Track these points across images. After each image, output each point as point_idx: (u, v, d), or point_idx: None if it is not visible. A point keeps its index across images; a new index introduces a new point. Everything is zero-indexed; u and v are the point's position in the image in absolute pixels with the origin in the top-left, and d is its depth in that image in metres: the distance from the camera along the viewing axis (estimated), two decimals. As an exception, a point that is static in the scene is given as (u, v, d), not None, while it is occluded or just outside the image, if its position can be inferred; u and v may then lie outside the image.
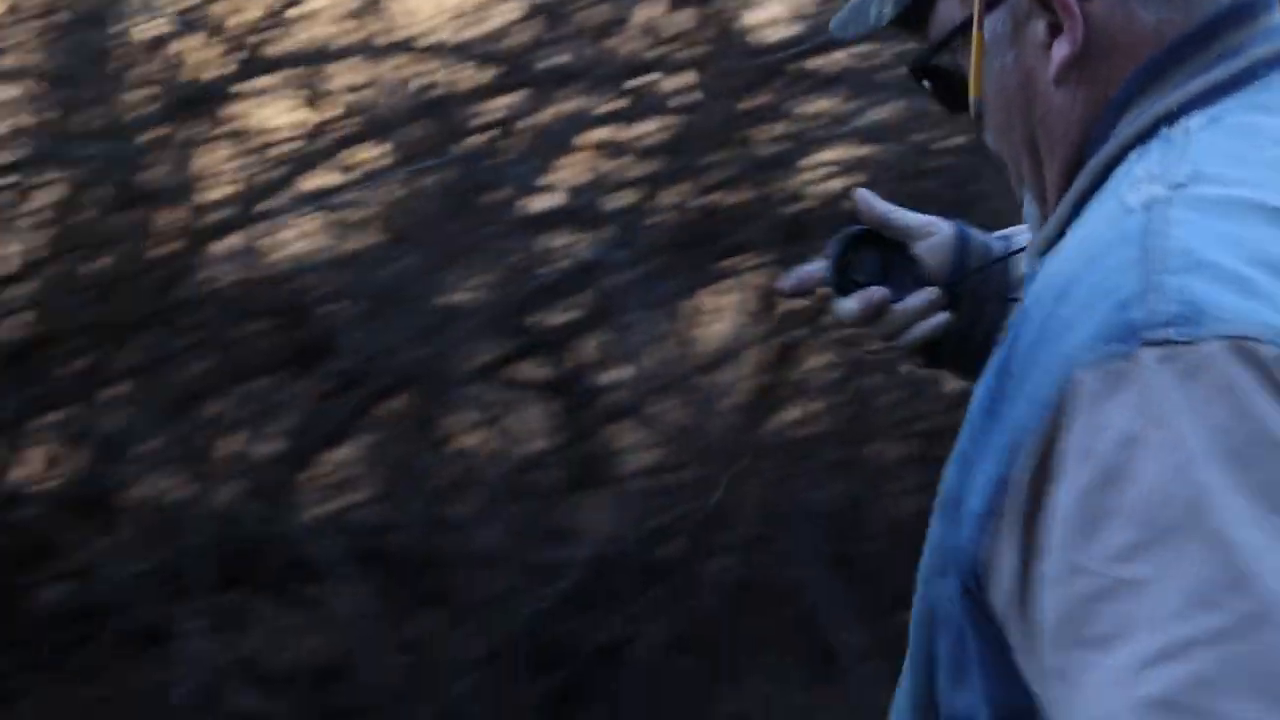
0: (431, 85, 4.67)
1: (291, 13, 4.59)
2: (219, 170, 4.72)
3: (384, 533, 4.80)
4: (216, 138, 4.68)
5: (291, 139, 4.70)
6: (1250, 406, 1.17)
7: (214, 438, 4.85)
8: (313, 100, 4.68)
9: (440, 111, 4.66)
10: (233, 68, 4.59)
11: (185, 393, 4.63)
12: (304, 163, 4.70)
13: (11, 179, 4.52)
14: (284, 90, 4.71)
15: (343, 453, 4.89)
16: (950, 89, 1.42)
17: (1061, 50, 1.34)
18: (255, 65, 4.60)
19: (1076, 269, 1.25)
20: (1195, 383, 1.17)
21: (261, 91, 4.68)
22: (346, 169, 4.70)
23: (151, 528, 4.52)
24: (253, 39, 4.59)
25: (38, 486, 4.78)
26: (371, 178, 4.63)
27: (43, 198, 4.68)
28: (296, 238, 4.82)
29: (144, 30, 4.52)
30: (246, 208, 4.69)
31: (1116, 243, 1.24)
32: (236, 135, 4.67)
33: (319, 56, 4.64)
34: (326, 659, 4.72)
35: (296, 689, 4.68)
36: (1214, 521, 1.15)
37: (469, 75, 4.71)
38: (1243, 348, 1.17)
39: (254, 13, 4.58)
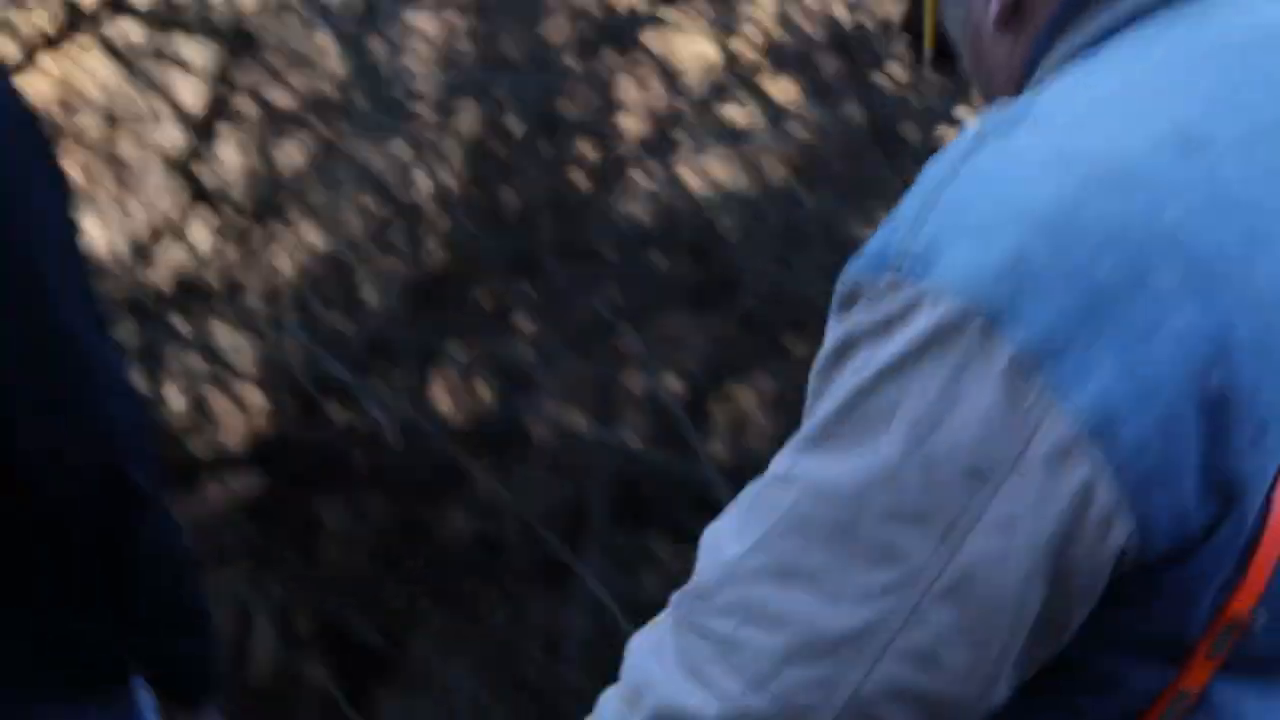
0: (843, 19, 4.63)
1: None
2: (633, 102, 4.76)
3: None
4: (632, 69, 4.72)
5: (705, 71, 4.70)
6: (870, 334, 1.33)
7: (619, 372, 4.88)
8: (727, 33, 4.68)
9: (853, 45, 4.60)
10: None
11: (592, 326, 4.66)
12: (717, 94, 4.69)
13: (429, 110, 4.61)
14: (698, 22, 4.73)
15: (747, 391, 4.88)
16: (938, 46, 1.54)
17: (996, 8, 1.43)
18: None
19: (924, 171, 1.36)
20: (903, 327, 1.29)
21: (675, 24, 4.70)
22: (759, 103, 4.69)
23: (555, 463, 4.59)
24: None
25: (446, 419, 4.88)
26: (783, 113, 4.61)
27: (460, 127, 4.78)
28: (707, 172, 4.82)
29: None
30: (660, 141, 4.71)
31: (939, 163, 1.33)
32: (651, 67, 4.71)
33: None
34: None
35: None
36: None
37: (885, 7, 4.64)
38: (934, 312, 1.28)
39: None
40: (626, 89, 4.77)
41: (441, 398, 5.06)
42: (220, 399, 4.88)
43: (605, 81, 4.74)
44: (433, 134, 4.69)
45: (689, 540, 4.65)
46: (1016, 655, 1.33)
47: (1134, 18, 1.41)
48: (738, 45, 4.66)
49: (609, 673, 1.40)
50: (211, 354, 4.72)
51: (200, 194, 4.77)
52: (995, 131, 1.35)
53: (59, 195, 2.12)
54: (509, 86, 4.54)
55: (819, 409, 1.34)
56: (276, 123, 4.89)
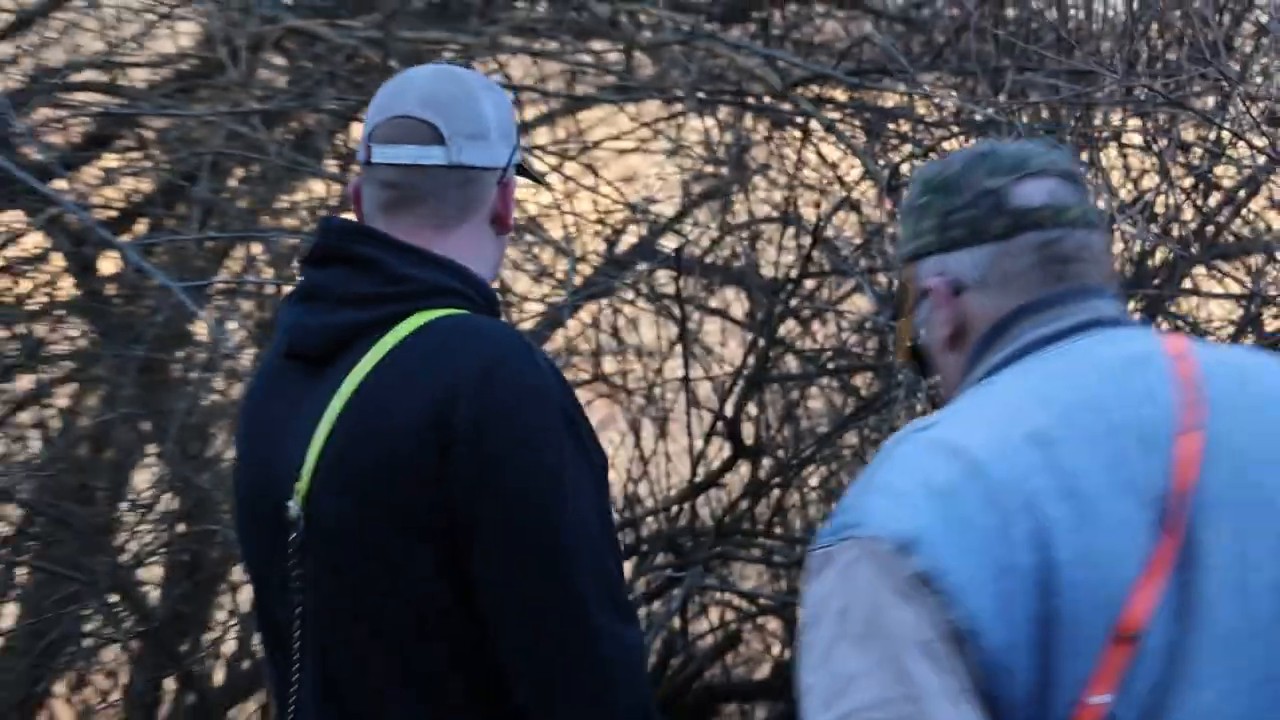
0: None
1: None
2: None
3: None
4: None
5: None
6: (853, 581, 1.94)
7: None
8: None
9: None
10: None
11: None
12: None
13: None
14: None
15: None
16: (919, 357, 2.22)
17: (944, 330, 2.12)
18: None
19: None
20: (830, 567, 1.95)
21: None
22: None
23: None
24: None
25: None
26: None
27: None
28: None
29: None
30: None
31: (879, 453, 2.04)
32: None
33: None
34: None
35: None
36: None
37: None
38: (866, 544, 1.93)
39: None
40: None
41: None
42: (749, 632, 5.13)
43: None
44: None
45: None
46: None
47: (1026, 352, 2.09)
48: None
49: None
50: (740, 592, 4.96)
51: (737, 444, 5.01)
52: (918, 427, 2.03)
53: (589, 467, 2.46)
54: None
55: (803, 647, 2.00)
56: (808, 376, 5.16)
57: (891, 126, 4.55)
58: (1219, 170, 4.37)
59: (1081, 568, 1.94)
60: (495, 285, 2.69)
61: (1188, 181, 4.25)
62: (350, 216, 2.63)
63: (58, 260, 4.92)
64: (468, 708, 2.45)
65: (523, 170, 2.66)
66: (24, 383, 4.97)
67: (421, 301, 2.48)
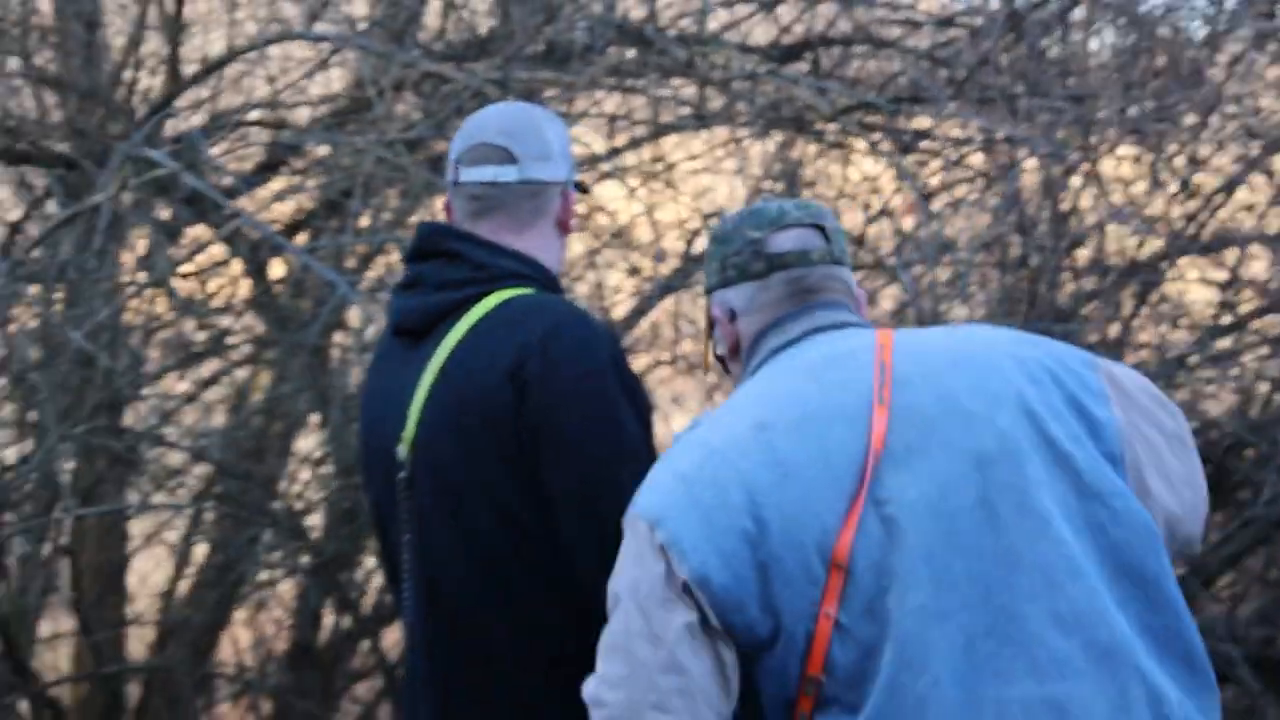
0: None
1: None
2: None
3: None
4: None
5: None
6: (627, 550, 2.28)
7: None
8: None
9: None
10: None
11: None
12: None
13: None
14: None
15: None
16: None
17: (726, 345, 2.44)
18: None
19: None
20: (625, 535, 2.29)
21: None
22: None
23: None
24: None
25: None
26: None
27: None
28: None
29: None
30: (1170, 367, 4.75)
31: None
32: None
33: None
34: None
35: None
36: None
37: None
38: (633, 521, 2.27)
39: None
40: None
41: None
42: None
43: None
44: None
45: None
46: (719, 694, 2.24)
47: (767, 359, 2.38)
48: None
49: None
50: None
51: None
52: (688, 428, 2.35)
53: (635, 405, 2.57)
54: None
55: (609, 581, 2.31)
56: None
57: (923, 145, 4.60)
58: (1198, 178, 4.40)
59: (786, 519, 2.24)
60: (562, 274, 2.83)
61: (1173, 188, 4.29)
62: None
63: (236, 266, 5.02)
64: (546, 604, 2.54)
65: (578, 185, 2.81)
66: (210, 366, 5.08)
67: (498, 284, 2.62)
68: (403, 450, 2.60)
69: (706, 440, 2.32)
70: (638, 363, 5.41)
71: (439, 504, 2.58)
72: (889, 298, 5.26)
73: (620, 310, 5.17)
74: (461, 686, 2.58)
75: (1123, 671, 2.21)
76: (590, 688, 2.28)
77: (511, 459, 2.52)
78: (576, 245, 5.09)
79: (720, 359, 2.50)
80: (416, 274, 2.68)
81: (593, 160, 5.05)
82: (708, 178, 5.58)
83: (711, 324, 2.48)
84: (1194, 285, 4.68)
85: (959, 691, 2.20)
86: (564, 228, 2.76)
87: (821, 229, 2.44)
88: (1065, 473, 2.25)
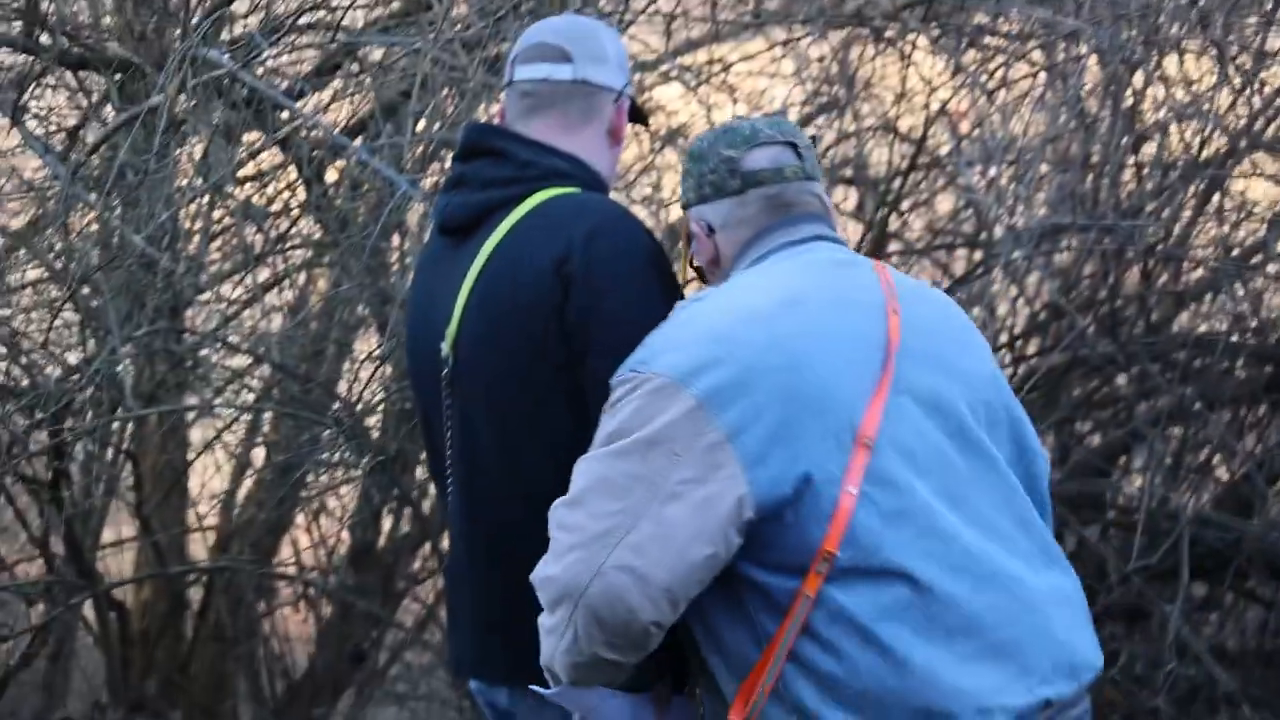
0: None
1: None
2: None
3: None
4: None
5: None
6: (627, 399, 2.39)
7: (1189, 453, 4.96)
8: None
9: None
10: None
11: (1166, 414, 4.77)
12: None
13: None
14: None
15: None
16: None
17: (705, 258, 2.62)
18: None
19: None
20: (628, 389, 2.40)
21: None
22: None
23: (1134, 525, 4.67)
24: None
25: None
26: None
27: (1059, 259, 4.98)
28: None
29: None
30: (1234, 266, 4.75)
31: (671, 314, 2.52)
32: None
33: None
34: (1275, 644, 4.70)
35: (1247, 667, 4.71)
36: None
37: None
38: (653, 379, 2.37)
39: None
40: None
41: None
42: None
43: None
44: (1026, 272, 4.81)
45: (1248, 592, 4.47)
46: (687, 567, 2.30)
47: (770, 254, 2.53)
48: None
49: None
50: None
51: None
52: (696, 299, 2.48)
53: (673, 301, 2.61)
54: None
55: (598, 435, 2.40)
56: (915, 251, 5.14)
57: (987, 41, 4.57)
58: (1264, 73, 4.37)
59: (823, 383, 2.38)
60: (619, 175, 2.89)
61: (1238, 81, 4.26)
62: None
63: (293, 171, 5.04)
64: None
65: (635, 111, 2.82)
66: (268, 270, 5.12)
67: (543, 182, 2.67)
68: (446, 348, 2.64)
69: (729, 309, 2.45)
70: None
71: (481, 401, 2.63)
72: (948, 198, 5.26)
73: (676, 211, 5.17)
74: (499, 584, 2.65)
75: (1068, 570, 2.51)
76: (561, 512, 2.37)
77: (553, 356, 2.56)
78: (632, 147, 5.09)
79: (698, 269, 2.65)
80: (461, 173, 2.73)
81: (653, 63, 5.04)
82: (765, 80, 5.56)
83: (687, 236, 2.63)
84: (1257, 182, 4.66)
85: (982, 565, 2.40)
86: (615, 137, 2.79)
87: (794, 146, 2.60)
88: (1014, 415, 2.56)
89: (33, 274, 4.68)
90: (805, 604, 2.33)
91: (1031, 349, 5.25)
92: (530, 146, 2.70)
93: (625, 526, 2.31)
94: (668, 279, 2.63)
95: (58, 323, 4.45)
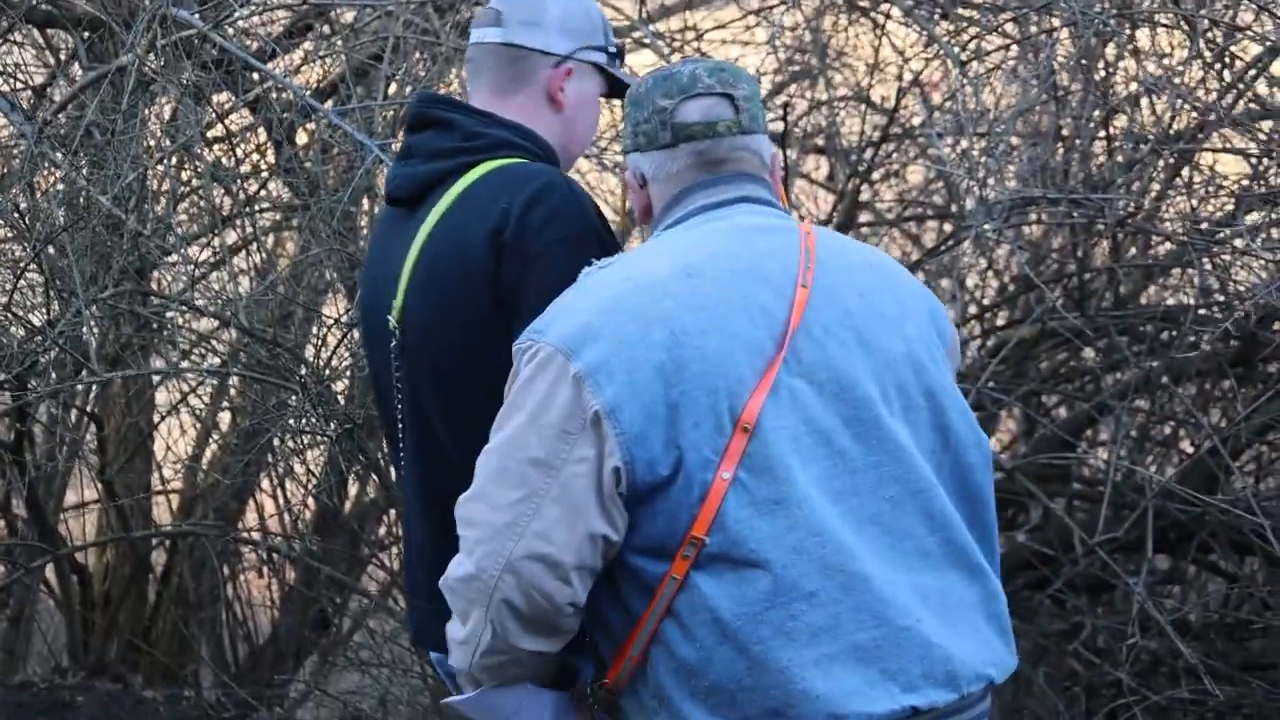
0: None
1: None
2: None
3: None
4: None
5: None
6: (522, 368, 2.39)
7: (1155, 426, 5.00)
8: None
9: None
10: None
11: (1132, 387, 4.80)
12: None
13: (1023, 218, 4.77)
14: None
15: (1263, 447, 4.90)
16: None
17: (638, 209, 2.59)
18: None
19: None
20: (526, 359, 2.40)
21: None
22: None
23: (1098, 497, 4.71)
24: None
25: (1006, 456, 5.13)
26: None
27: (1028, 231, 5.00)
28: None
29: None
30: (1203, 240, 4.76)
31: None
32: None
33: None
34: (1237, 617, 4.75)
35: (1209, 640, 4.76)
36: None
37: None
38: (545, 348, 2.38)
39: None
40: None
41: (1004, 440, 5.22)
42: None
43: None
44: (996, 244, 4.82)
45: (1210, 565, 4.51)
46: (591, 544, 2.30)
47: (692, 215, 2.51)
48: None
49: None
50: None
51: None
52: (599, 266, 2.46)
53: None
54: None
55: (502, 407, 2.39)
56: (886, 222, 5.14)
57: (958, 12, 4.59)
58: (1235, 48, 4.40)
59: (706, 364, 2.33)
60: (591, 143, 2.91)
61: (1209, 56, 4.29)
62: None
63: (263, 132, 5.03)
64: None
65: (615, 84, 2.80)
66: (236, 233, 5.12)
67: (489, 154, 2.69)
68: (393, 320, 2.66)
69: (627, 277, 2.41)
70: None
71: (426, 372, 2.65)
72: (920, 169, 5.28)
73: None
74: (450, 554, 2.62)
75: (978, 570, 2.43)
76: (467, 507, 2.36)
77: (495, 326, 2.58)
78: (606, 113, 5.10)
79: (632, 218, 2.61)
80: (410, 144, 2.77)
81: (625, 30, 5.04)
82: (737, 49, 5.57)
83: (625, 185, 2.70)
84: (1226, 156, 4.70)
85: (855, 564, 2.33)
86: (555, 103, 2.76)
87: (730, 98, 2.51)
88: (940, 402, 2.46)
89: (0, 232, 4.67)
90: (671, 586, 2.30)
91: (1000, 321, 5.29)
92: (477, 117, 2.72)
93: (528, 514, 2.31)
94: (607, 251, 2.61)
95: (22, 283, 4.43)
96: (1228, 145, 4.62)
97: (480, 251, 2.58)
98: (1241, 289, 4.56)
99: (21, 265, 4.39)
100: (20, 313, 4.44)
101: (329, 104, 5.03)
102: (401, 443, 2.72)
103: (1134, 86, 4.56)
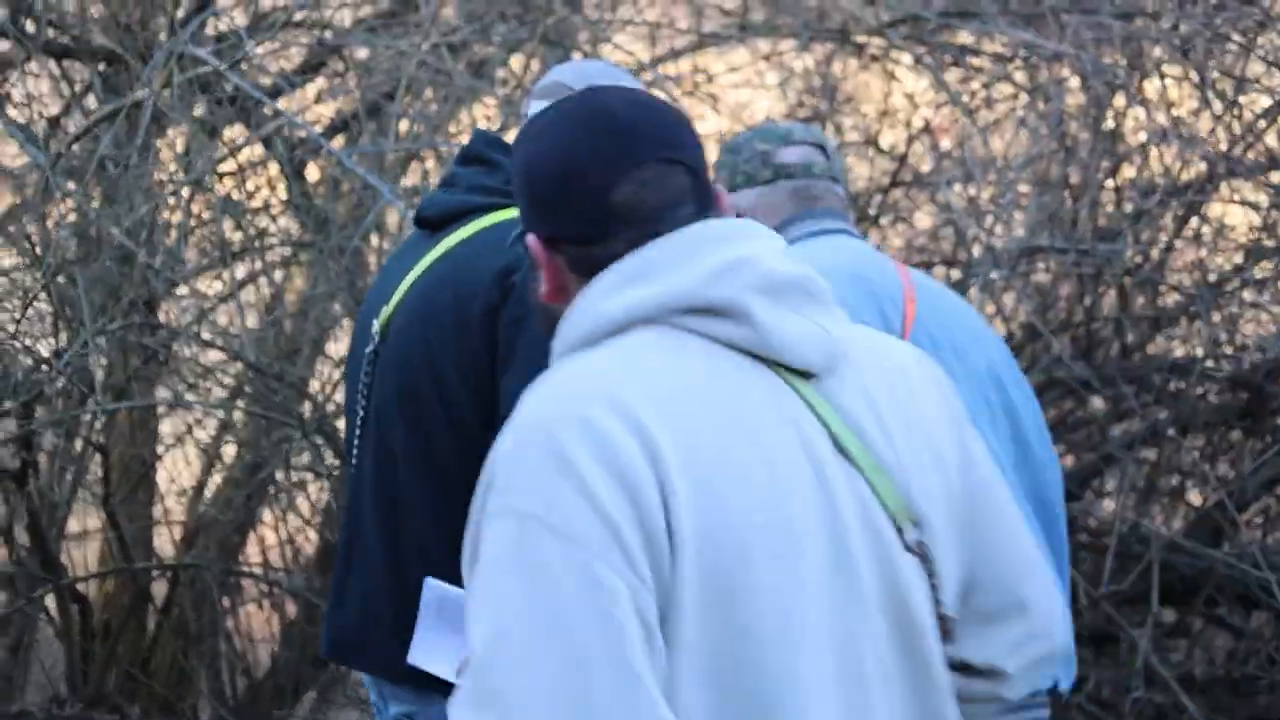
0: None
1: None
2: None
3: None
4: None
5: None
6: None
7: (1161, 477, 5.01)
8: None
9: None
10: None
11: (1139, 438, 4.82)
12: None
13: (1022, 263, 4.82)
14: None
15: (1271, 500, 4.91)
16: None
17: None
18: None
19: None
20: None
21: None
22: None
23: (1104, 548, 4.71)
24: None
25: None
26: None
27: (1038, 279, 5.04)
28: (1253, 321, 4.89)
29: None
30: (1211, 291, 4.80)
31: None
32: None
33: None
34: (1243, 672, 4.76)
35: (1214, 695, 4.77)
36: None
37: None
38: None
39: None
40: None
41: None
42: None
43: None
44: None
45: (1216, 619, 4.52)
46: None
47: (798, 240, 2.75)
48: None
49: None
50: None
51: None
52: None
53: None
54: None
55: None
56: None
57: (970, 60, 4.65)
58: (1244, 99, 4.45)
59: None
60: None
61: (1219, 108, 4.34)
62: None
63: (274, 167, 5.09)
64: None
65: None
66: (245, 267, 5.17)
67: None
68: (378, 324, 2.72)
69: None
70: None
71: (393, 383, 2.69)
72: (928, 215, 5.32)
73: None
74: (392, 564, 2.66)
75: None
76: None
77: (473, 359, 2.61)
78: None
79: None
80: (454, 174, 2.84)
81: (635, 71, 5.10)
82: (748, 92, 5.63)
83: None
84: (1235, 208, 4.74)
85: None
86: None
87: (823, 148, 2.81)
88: (1021, 415, 2.76)
89: (7, 262, 4.71)
90: None
91: (1007, 369, 5.31)
92: None
93: None
94: None
95: (30, 312, 4.48)
96: (1236, 196, 4.66)
97: (486, 284, 2.63)
98: (1249, 341, 4.59)
99: (31, 295, 4.43)
100: (29, 341, 4.48)
101: (341, 140, 5.10)
102: (358, 442, 2.76)
103: (1143, 136, 4.61)
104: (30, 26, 4.58)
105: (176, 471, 5.53)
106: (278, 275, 5.32)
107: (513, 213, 2.71)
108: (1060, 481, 2.77)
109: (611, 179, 1.79)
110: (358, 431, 2.76)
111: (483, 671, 1.61)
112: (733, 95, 5.62)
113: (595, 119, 1.82)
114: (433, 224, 2.79)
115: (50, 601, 5.49)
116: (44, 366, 4.52)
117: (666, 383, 1.71)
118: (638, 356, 1.74)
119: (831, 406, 1.75)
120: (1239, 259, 4.63)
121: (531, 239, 1.89)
